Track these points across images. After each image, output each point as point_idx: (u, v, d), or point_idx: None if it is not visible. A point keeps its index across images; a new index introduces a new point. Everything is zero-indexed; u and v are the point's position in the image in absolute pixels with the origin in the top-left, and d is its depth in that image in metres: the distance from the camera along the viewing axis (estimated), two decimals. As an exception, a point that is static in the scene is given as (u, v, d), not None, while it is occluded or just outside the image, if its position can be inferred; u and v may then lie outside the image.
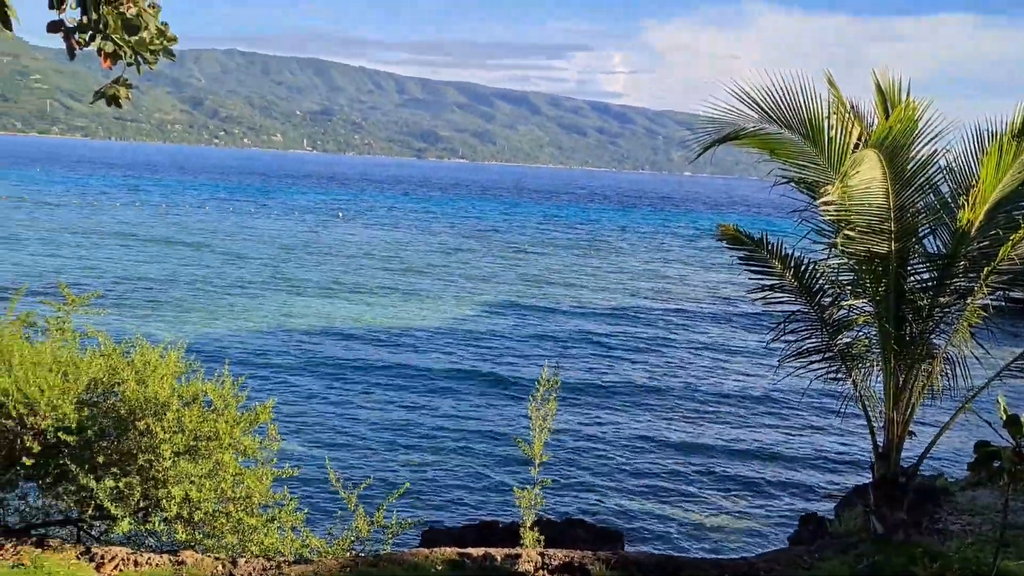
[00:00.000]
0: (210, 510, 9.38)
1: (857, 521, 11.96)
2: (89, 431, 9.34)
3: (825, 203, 9.42)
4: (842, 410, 11.13)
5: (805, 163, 10.14)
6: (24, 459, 9.17)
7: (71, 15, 5.26)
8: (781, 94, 10.05)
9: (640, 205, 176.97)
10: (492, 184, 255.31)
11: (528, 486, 10.79)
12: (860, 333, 10.85)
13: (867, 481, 11.91)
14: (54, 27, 5.29)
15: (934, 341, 10.38)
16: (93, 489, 9.01)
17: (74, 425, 9.20)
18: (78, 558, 8.98)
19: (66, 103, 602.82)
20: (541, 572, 9.62)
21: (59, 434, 9.14)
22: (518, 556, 9.76)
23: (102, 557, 9.02)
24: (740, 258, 11.15)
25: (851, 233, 9.72)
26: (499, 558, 9.70)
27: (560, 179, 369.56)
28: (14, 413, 9.05)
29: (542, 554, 9.85)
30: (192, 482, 9.23)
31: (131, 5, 5.32)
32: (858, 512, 12.18)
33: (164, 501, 9.18)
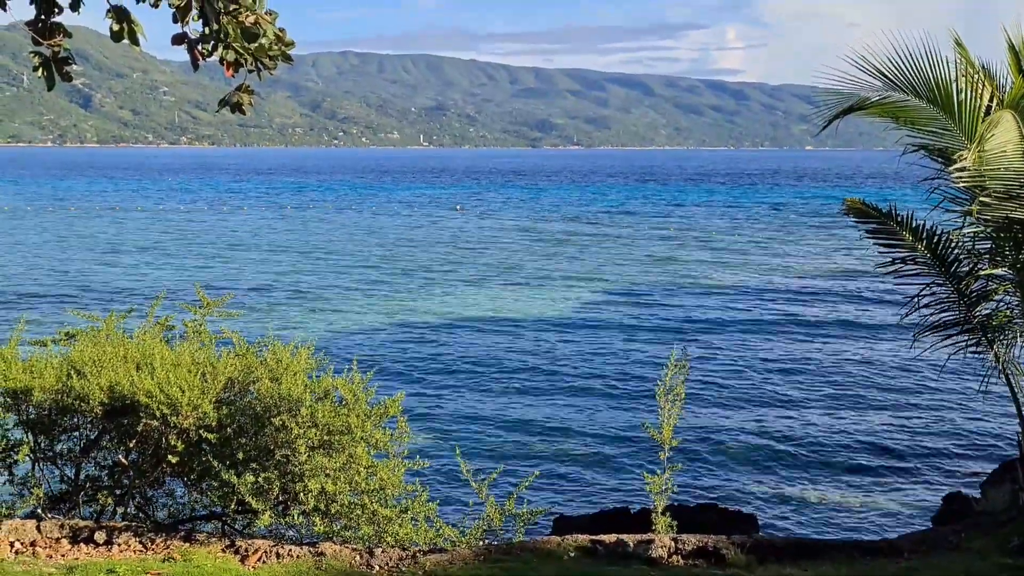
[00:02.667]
0: (346, 502, 9.59)
1: (1005, 499, 11.46)
2: (228, 429, 9.66)
3: (959, 169, 9.04)
4: (984, 384, 10.68)
5: (935, 129, 9.76)
6: (169, 457, 9.55)
7: (194, 27, 5.43)
8: (905, 59, 9.69)
9: (757, 183, 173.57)
10: (606, 169, 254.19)
11: (658, 471, 10.69)
12: (1001, 303, 10.39)
13: (1014, 457, 11.41)
14: (178, 39, 5.47)
15: (1082, 309, 9.87)
16: (235, 484, 9.31)
17: (214, 423, 9.52)
18: (224, 551, 9.30)
19: (193, 114, 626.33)
20: (675, 557, 9.53)
21: (201, 432, 9.47)
22: (651, 542, 9.68)
23: (246, 550, 9.32)
24: (868, 231, 10.81)
25: (987, 200, 9.29)
26: (632, 544, 9.64)
27: (674, 160, 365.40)
28: (158, 413, 9.41)
29: (675, 539, 9.75)
30: (327, 475, 9.45)
31: (249, 14, 5.46)
32: (1006, 489, 11.67)
33: (301, 495, 9.43)
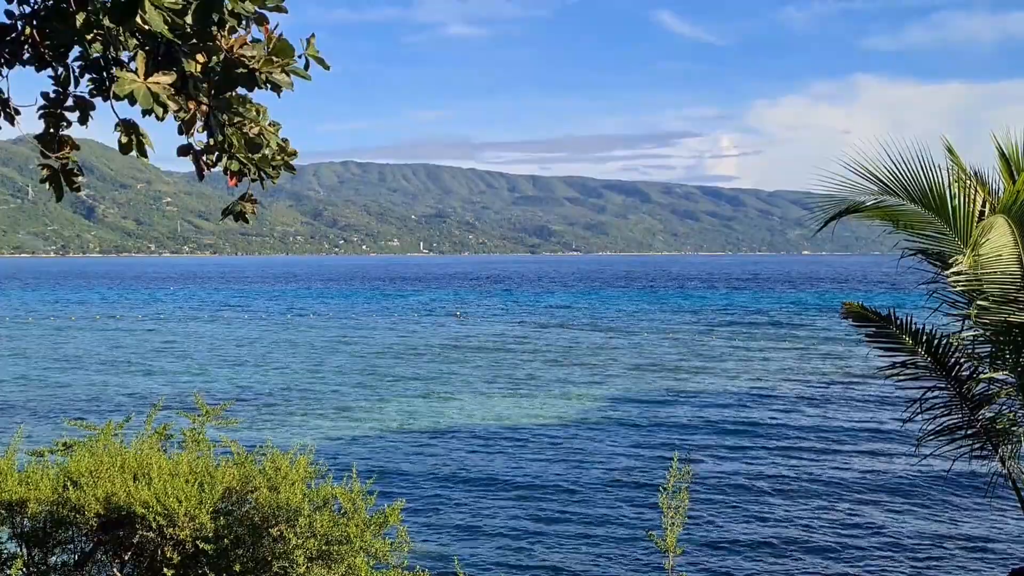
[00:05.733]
0: (344, 615, 9.37)
1: (1018, 608, 11.22)
2: (225, 539, 9.49)
3: (955, 274, 9.11)
4: (991, 489, 10.55)
5: (930, 234, 9.86)
6: (165, 570, 9.36)
7: (199, 138, 5.55)
8: (899, 165, 9.85)
9: (753, 287, 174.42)
10: (605, 275, 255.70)
11: (663, 581, 10.47)
12: (1004, 407, 10.33)
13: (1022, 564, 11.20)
14: (184, 151, 5.58)
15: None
16: (231, 598, 9.12)
17: (211, 534, 9.37)
18: (218, 668, 9.06)
19: (195, 223, 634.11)
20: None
21: (197, 543, 9.31)
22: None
23: (241, 666, 9.07)
24: (867, 335, 10.82)
25: (985, 303, 9.33)
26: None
27: (675, 265, 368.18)
28: (154, 524, 9.27)
29: (682, 652, 9.51)
30: (326, 587, 9.26)
31: (253, 125, 5.58)
32: (1018, 598, 11.43)
33: (299, 608, 9.22)
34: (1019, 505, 10.03)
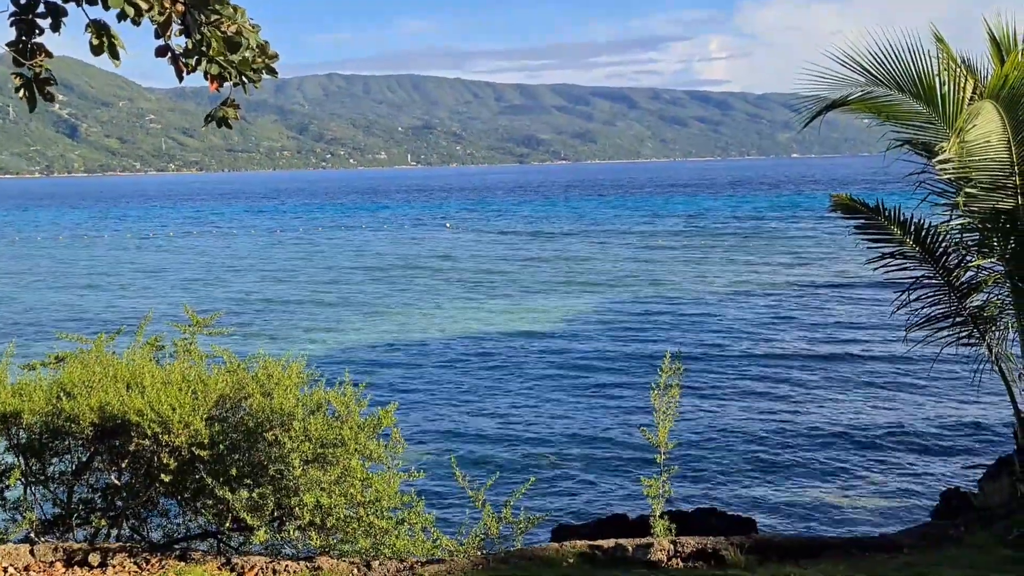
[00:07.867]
0: (342, 515, 9.50)
1: (1003, 493, 11.43)
2: (221, 445, 9.57)
3: (942, 162, 9.05)
4: (978, 377, 10.65)
5: (920, 123, 9.78)
6: (162, 476, 9.46)
7: (177, 43, 5.41)
8: (888, 55, 9.72)
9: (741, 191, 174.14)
10: (593, 183, 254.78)
11: (655, 475, 10.62)
12: (991, 294, 10.38)
13: (1011, 451, 11.38)
14: (162, 52, 5.44)
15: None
16: (229, 501, 9.23)
17: (206, 440, 9.44)
18: (219, 569, 9.22)
19: (180, 140, 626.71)
20: (674, 560, 9.47)
21: (193, 450, 9.39)
22: (649, 545, 9.62)
23: (242, 567, 9.24)
24: (856, 227, 10.80)
25: (973, 191, 9.30)
26: (630, 548, 9.58)
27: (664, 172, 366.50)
28: (149, 432, 9.33)
29: (674, 542, 9.69)
30: (322, 489, 9.37)
31: (231, 24, 5.44)
32: (1004, 484, 11.64)
33: (297, 509, 9.34)
34: (1005, 391, 10.16)
